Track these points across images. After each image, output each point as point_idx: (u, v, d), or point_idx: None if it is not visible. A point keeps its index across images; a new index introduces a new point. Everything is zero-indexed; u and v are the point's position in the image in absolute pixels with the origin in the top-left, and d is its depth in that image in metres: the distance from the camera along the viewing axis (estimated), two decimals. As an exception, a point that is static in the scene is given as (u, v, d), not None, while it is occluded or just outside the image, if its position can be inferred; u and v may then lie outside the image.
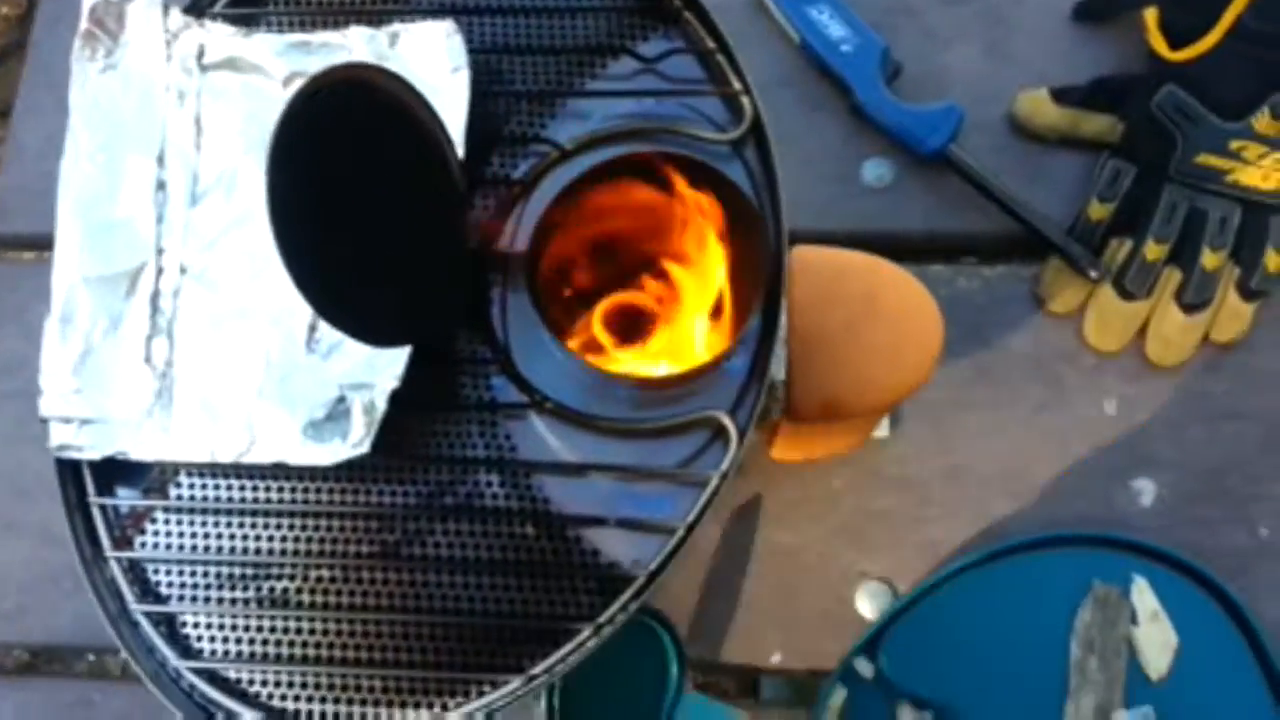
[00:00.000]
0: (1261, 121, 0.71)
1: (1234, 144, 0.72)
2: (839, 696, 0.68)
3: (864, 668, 0.68)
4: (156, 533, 0.53)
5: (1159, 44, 0.74)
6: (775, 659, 0.71)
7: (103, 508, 0.54)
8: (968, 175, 0.76)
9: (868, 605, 0.70)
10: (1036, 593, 0.68)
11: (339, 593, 0.51)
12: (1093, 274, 0.72)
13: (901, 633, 0.68)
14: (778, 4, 0.82)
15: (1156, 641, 0.66)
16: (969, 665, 0.67)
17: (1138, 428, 0.72)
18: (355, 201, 0.46)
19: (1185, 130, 0.73)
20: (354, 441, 0.49)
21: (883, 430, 0.73)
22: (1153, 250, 0.72)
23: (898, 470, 0.73)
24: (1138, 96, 0.75)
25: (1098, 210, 0.74)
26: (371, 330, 0.46)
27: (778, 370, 0.56)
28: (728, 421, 0.50)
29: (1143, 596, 0.67)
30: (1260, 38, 0.72)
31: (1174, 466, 0.71)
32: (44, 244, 0.54)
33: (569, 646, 0.48)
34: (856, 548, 0.72)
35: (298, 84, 0.54)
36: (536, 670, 0.48)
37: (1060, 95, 0.76)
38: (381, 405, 0.49)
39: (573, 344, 0.58)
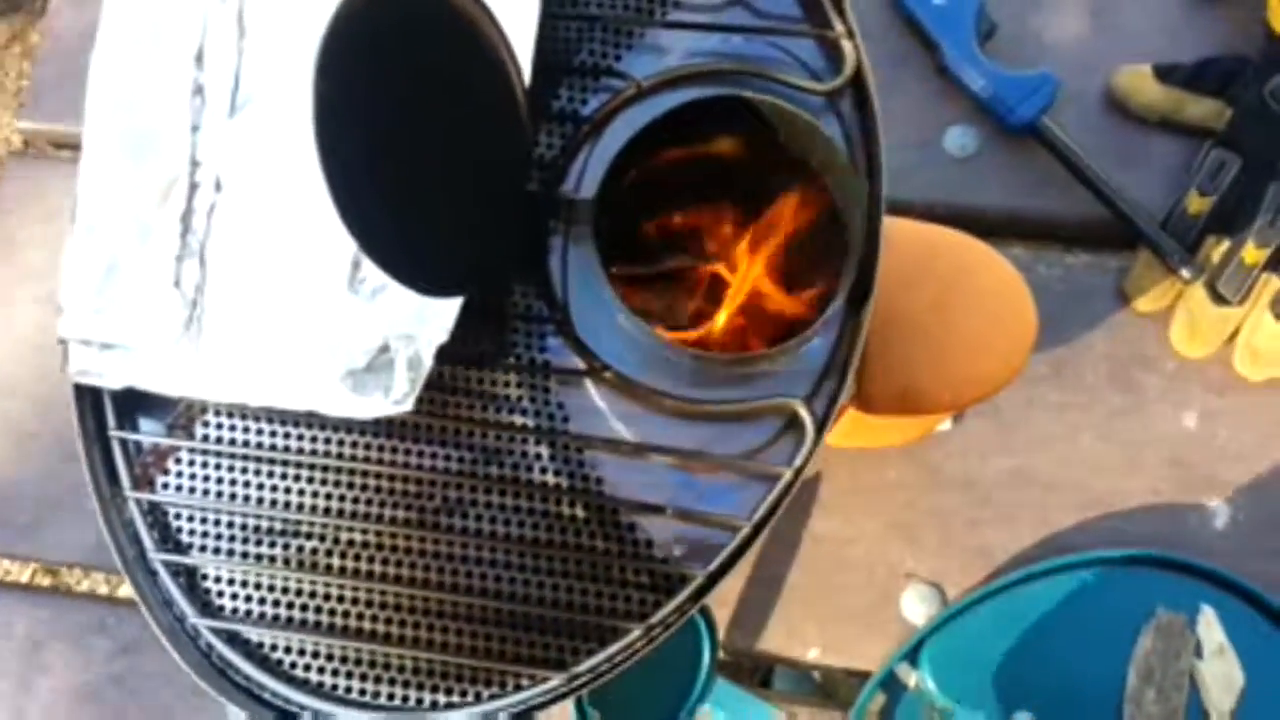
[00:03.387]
0: (1392, 121, 0.65)
1: (1356, 144, 0.66)
2: (878, 701, 0.63)
3: (906, 674, 0.64)
4: (180, 474, 0.49)
5: (1280, 24, 0.68)
6: (813, 654, 0.67)
7: (123, 442, 0.49)
8: (1058, 152, 0.70)
9: (914, 608, 0.66)
10: (1095, 613, 0.64)
11: (370, 559, 0.47)
12: (1185, 273, 0.67)
13: (948, 642, 0.64)
14: (868, -51, 0.76)
15: (1221, 678, 0.61)
16: (1016, 685, 0.63)
17: (1218, 444, 0.67)
18: (411, 126, 0.41)
19: (1301, 124, 0.67)
20: (396, 398, 0.44)
21: (945, 424, 0.68)
22: (1252, 253, 0.67)
23: (957, 467, 0.68)
24: (1249, 81, 0.69)
25: (1197, 203, 0.68)
26: (421, 275, 0.41)
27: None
28: (803, 411, 0.45)
29: (1210, 628, 0.62)
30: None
31: (1253, 490, 0.67)
32: (77, 143, 0.49)
33: (616, 647, 0.44)
34: (907, 545, 0.68)
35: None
36: (580, 669, 0.44)
37: (1164, 73, 0.71)
38: (428, 360, 0.44)
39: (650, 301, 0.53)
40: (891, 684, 0.64)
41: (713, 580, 0.44)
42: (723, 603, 0.68)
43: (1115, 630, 0.63)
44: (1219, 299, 0.67)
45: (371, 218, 0.39)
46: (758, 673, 0.84)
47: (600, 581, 0.45)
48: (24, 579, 0.77)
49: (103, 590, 0.77)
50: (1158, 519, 0.67)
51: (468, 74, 0.43)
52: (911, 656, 0.64)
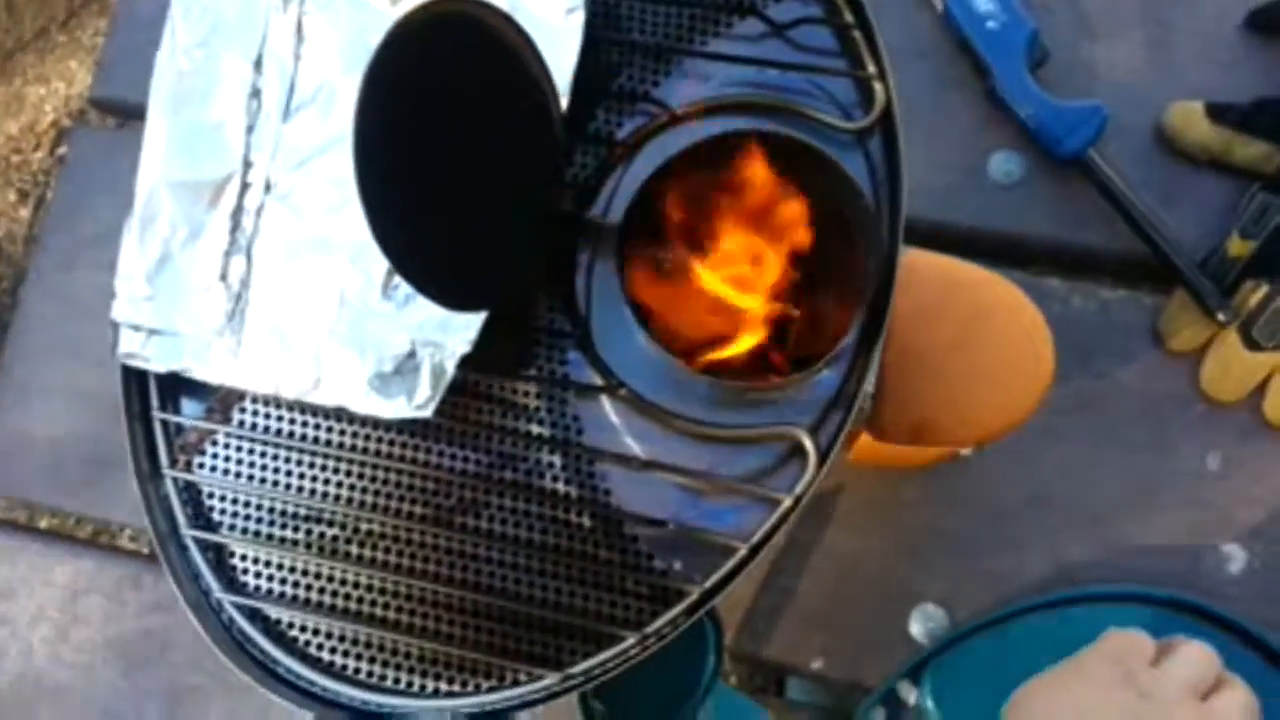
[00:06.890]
0: None
1: (1407, 198, 0.66)
2: (877, 716, 0.65)
3: (907, 692, 0.65)
4: (215, 455, 0.52)
5: (1340, 74, 0.67)
6: (816, 665, 0.68)
7: (164, 423, 0.52)
8: (1103, 185, 0.70)
9: (920, 628, 0.67)
10: (1100, 649, 0.64)
11: (387, 550, 0.49)
12: (1220, 316, 0.67)
13: (951, 664, 0.65)
14: (926, -33, 0.76)
15: (1225, 725, 0.61)
16: (1016, 710, 0.64)
17: (1239, 489, 0.67)
18: (448, 150, 0.43)
19: (1353, 175, 0.66)
20: (418, 403, 0.47)
21: (966, 449, 0.69)
22: (1290, 300, 0.66)
23: (975, 491, 0.69)
24: (1304, 127, 0.68)
25: (1238, 246, 0.68)
26: (451, 293, 0.44)
27: (868, 381, 0.52)
28: (807, 441, 0.46)
29: (1216, 674, 0.62)
30: None
31: (1271, 538, 0.67)
32: (144, 113, 0.52)
33: (612, 652, 0.46)
34: (918, 565, 0.69)
35: (406, 5, 0.52)
36: (575, 670, 0.46)
37: (1217, 112, 0.70)
38: (450, 369, 0.47)
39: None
40: (892, 701, 0.65)
41: (707, 596, 0.45)
42: (734, 606, 0.69)
43: (1119, 666, 0.64)
44: (1253, 344, 0.67)
45: (406, 240, 0.41)
46: (770, 679, 0.86)
47: (601, 588, 0.47)
48: (64, 533, 0.81)
49: (145, 551, 0.81)
50: (1172, 558, 0.67)
51: (506, 100, 0.45)
52: (914, 675, 0.66)
